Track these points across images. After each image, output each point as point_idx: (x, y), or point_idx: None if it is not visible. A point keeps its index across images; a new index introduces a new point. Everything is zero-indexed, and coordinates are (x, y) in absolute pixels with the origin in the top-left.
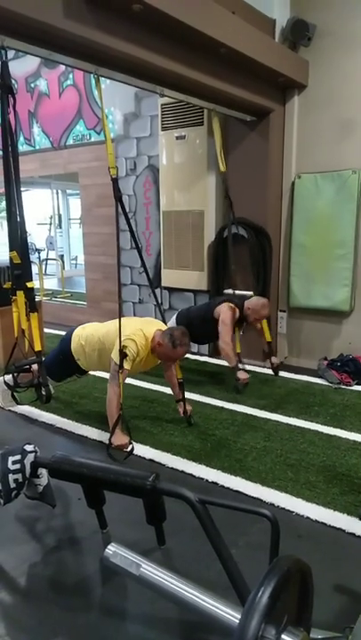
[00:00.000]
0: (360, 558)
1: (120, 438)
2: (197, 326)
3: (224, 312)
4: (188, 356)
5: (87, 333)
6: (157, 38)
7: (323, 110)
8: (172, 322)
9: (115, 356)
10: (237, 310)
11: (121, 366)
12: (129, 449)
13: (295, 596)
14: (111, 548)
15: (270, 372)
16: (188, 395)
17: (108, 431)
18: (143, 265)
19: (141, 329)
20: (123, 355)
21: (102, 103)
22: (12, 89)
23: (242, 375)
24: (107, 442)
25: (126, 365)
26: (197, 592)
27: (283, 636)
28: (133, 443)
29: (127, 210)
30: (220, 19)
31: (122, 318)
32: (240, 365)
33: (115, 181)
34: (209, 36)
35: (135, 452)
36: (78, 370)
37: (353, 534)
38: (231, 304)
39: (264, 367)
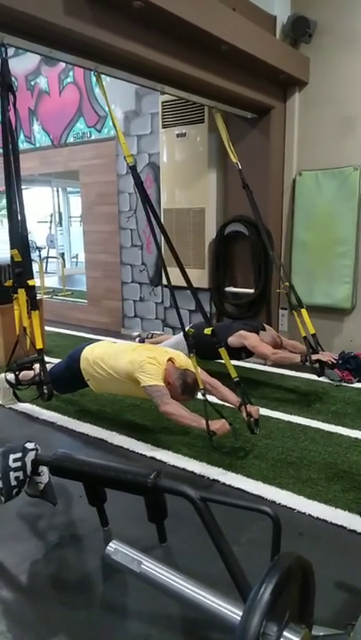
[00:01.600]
0: None
1: (216, 423)
2: (206, 348)
3: (246, 337)
4: None
5: (96, 358)
6: (158, 35)
7: (324, 107)
8: (179, 336)
9: (146, 382)
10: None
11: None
12: (229, 428)
13: (297, 592)
14: (112, 546)
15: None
16: None
17: (109, 429)
18: (171, 247)
19: (154, 356)
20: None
21: (106, 98)
22: (12, 87)
23: (323, 357)
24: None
25: (160, 383)
26: (199, 589)
27: (285, 633)
28: (231, 423)
29: (128, 208)
30: (221, 16)
31: (132, 347)
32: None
33: (133, 169)
34: (210, 33)
35: (136, 449)
36: (86, 386)
37: (354, 531)
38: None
39: (265, 364)
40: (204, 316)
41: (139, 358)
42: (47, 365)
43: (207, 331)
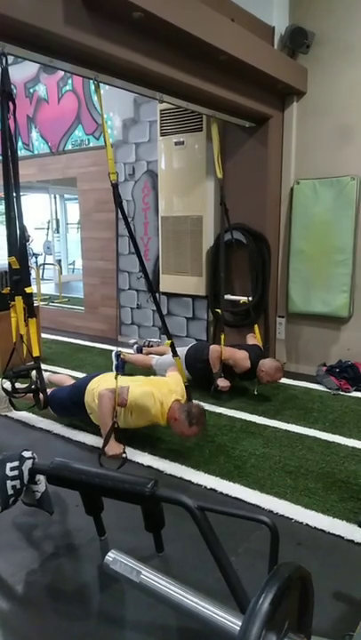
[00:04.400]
0: (359, 565)
1: (114, 447)
2: (204, 370)
3: (212, 351)
4: None
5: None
6: (157, 45)
7: (322, 117)
8: (181, 351)
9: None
10: (251, 365)
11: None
12: (123, 457)
13: (296, 602)
14: (111, 555)
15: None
16: None
17: None
18: (144, 270)
19: (162, 394)
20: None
21: (102, 109)
22: (11, 95)
23: (222, 382)
24: (99, 451)
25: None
26: (198, 599)
27: None
28: (126, 453)
29: (126, 215)
30: (220, 26)
31: (136, 380)
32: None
33: (115, 187)
34: (208, 43)
35: (133, 458)
36: (87, 417)
37: (352, 541)
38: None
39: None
40: (162, 322)
41: (140, 401)
42: (44, 374)
43: (166, 343)
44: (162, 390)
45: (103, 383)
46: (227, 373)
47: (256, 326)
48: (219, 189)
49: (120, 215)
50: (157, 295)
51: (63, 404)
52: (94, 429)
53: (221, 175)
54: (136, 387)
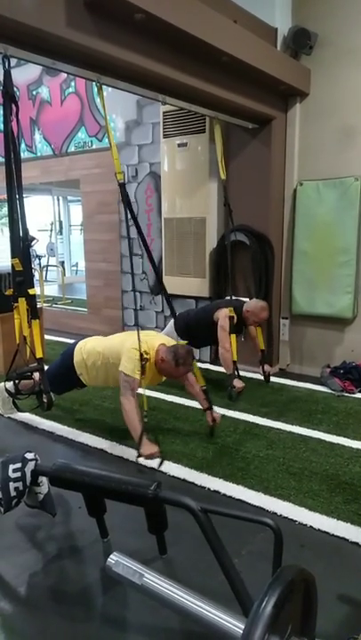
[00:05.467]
0: None
1: (149, 448)
2: (196, 330)
3: (222, 318)
4: None
5: (89, 347)
6: (160, 47)
7: (325, 118)
8: (170, 326)
9: (124, 367)
10: (235, 316)
11: (141, 369)
12: (159, 458)
13: (299, 605)
14: (113, 558)
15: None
16: (188, 402)
17: (109, 439)
18: (155, 268)
19: (145, 341)
20: (143, 359)
21: (105, 111)
22: (14, 97)
23: (237, 383)
24: (134, 455)
25: (135, 375)
26: (201, 602)
27: None
28: (162, 452)
29: (129, 217)
30: (222, 27)
31: (125, 332)
32: (236, 373)
33: (122, 186)
34: (211, 44)
35: (136, 460)
36: (79, 383)
37: (356, 543)
38: (230, 308)
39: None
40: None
41: (128, 343)
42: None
43: (181, 344)
44: (144, 339)
45: (91, 342)
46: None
47: (259, 328)
48: (222, 191)
49: (128, 215)
50: (161, 297)
51: (57, 373)
52: (97, 430)
53: (225, 176)
54: (127, 360)
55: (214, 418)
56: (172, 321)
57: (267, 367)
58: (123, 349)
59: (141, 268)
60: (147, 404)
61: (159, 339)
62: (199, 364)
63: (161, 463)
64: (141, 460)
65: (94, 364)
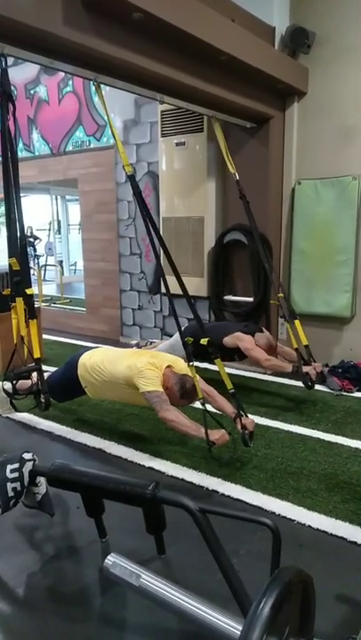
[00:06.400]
0: None
1: (216, 433)
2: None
3: (242, 339)
4: None
5: (94, 364)
6: (157, 46)
7: (323, 117)
8: (175, 338)
9: (145, 387)
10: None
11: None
12: (228, 438)
13: (297, 606)
14: (111, 559)
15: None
16: None
17: (107, 439)
18: (168, 257)
19: (153, 362)
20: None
21: (106, 108)
22: (11, 96)
23: (314, 368)
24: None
25: (159, 387)
26: (198, 603)
27: None
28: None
29: (127, 216)
30: (220, 26)
31: (131, 352)
32: (297, 363)
33: (132, 177)
34: (209, 43)
35: (134, 459)
36: (84, 394)
37: (355, 543)
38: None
39: (265, 373)
40: (200, 324)
41: (138, 364)
42: (45, 374)
43: (203, 341)
44: (155, 357)
45: (95, 355)
46: (226, 354)
47: (298, 322)
48: (220, 190)
49: (139, 206)
50: (160, 296)
51: (59, 384)
52: (95, 430)
53: (234, 170)
54: (148, 381)
55: (244, 424)
56: (177, 334)
57: (317, 366)
58: (132, 372)
59: (139, 268)
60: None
61: (166, 359)
62: (198, 364)
63: (234, 444)
64: (215, 449)
65: (101, 381)
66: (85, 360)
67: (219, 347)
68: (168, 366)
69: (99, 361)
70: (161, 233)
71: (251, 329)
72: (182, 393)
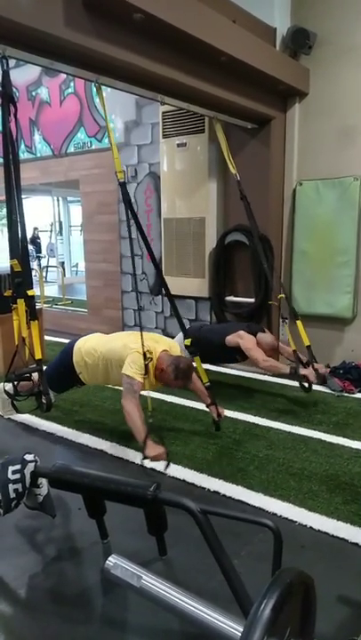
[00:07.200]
0: None
1: (154, 449)
2: (206, 347)
3: (243, 338)
4: None
5: (89, 348)
6: (158, 47)
7: (324, 118)
8: (178, 338)
9: (126, 369)
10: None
11: (146, 370)
12: (165, 460)
13: (298, 608)
14: (112, 560)
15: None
16: (187, 402)
17: (109, 440)
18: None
19: (148, 344)
20: (146, 358)
21: (105, 110)
22: (13, 98)
23: (314, 371)
24: (140, 458)
25: (138, 377)
26: (199, 604)
27: None
28: (168, 453)
29: (130, 216)
30: (221, 27)
31: (128, 332)
32: (295, 365)
33: (123, 185)
34: (210, 44)
35: (136, 460)
36: (79, 382)
37: (356, 544)
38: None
39: (266, 374)
40: (181, 326)
41: (132, 344)
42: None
43: (187, 342)
44: (147, 342)
45: (91, 341)
46: (228, 354)
47: (300, 322)
48: (221, 191)
49: (129, 215)
50: (161, 297)
51: (56, 372)
52: (97, 431)
53: (235, 170)
54: (129, 364)
55: (219, 413)
56: (180, 334)
57: (319, 367)
58: (125, 351)
59: (141, 269)
60: (151, 405)
61: (162, 343)
62: (221, 369)
63: (167, 465)
64: (147, 463)
65: (95, 364)
66: (80, 345)
67: (221, 346)
68: (164, 350)
69: (94, 344)
70: (162, 234)
71: (253, 329)
72: (176, 373)
